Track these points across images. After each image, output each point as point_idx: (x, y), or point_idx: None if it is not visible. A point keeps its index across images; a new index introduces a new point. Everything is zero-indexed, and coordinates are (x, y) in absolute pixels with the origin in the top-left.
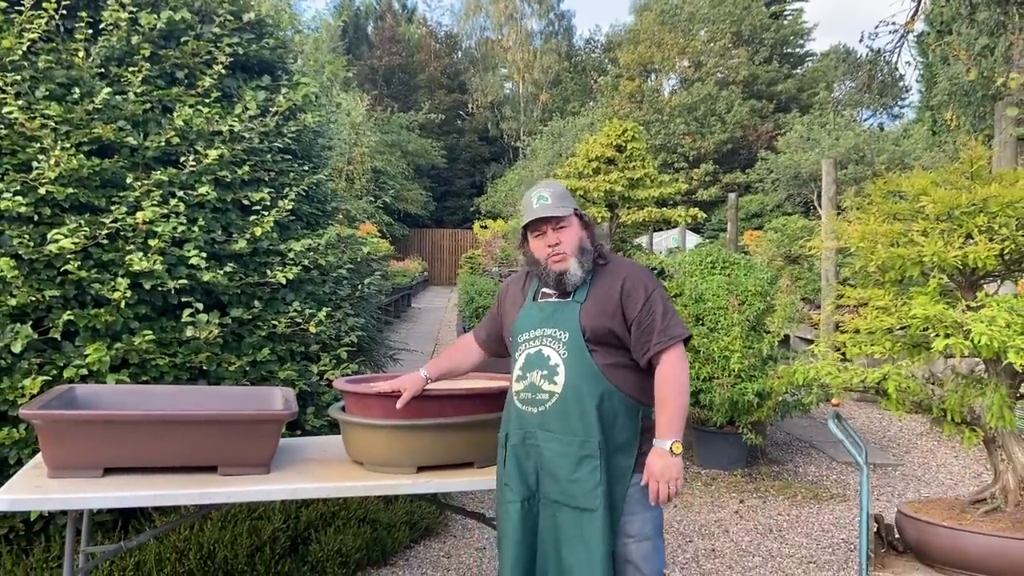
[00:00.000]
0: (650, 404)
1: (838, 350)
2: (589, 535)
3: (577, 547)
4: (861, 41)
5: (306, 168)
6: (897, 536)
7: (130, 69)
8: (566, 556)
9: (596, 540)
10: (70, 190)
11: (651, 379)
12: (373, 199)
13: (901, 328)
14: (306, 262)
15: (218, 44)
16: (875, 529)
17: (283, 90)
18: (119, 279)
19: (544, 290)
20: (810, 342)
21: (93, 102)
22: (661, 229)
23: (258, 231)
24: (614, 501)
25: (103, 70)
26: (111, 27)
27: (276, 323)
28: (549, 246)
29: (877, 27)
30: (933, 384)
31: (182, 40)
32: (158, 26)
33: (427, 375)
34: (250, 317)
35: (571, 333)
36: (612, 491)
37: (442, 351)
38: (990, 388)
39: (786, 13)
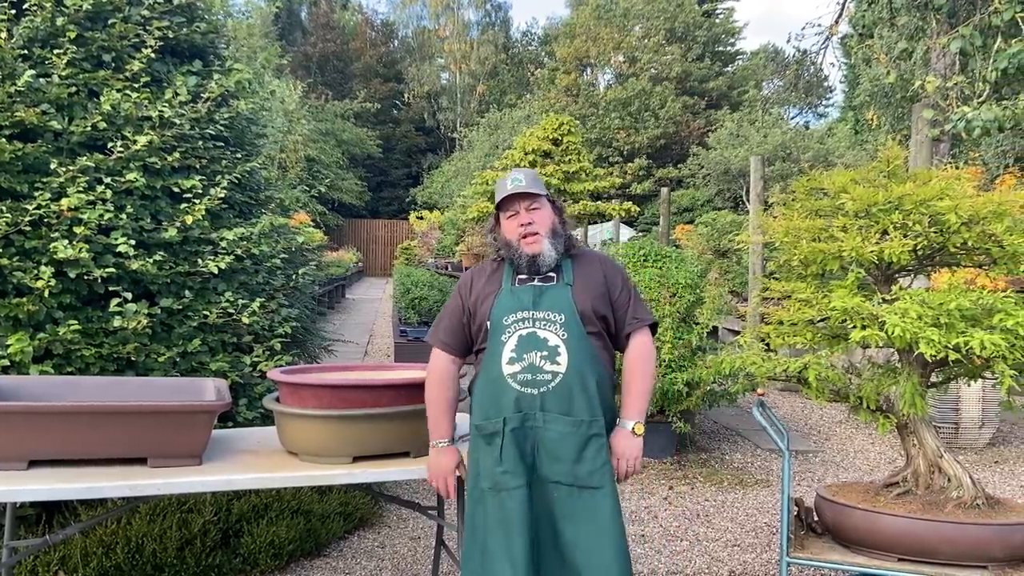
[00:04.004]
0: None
1: (763, 341)
2: (600, 512)
3: (581, 524)
4: (789, 42)
5: (239, 156)
6: (816, 519)
7: (55, 51)
8: (568, 534)
9: (607, 515)
10: None
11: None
12: (307, 188)
13: (822, 320)
14: (239, 251)
15: (147, 27)
16: (795, 512)
17: (215, 76)
18: (42, 267)
19: (520, 276)
20: (737, 333)
21: (15, 85)
22: (596, 222)
23: (189, 219)
24: (613, 478)
25: (26, 52)
26: (35, 7)
27: (207, 313)
28: (521, 225)
29: (804, 29)
30: (851, 374)
31: (109, 22)
32: (84, 7)
33: (450, 438)
34: (180, 307)
35: (566, 315)
36: (611, 469)
37: (434, 398)
38: (903, 377)
39: (718, 12)
